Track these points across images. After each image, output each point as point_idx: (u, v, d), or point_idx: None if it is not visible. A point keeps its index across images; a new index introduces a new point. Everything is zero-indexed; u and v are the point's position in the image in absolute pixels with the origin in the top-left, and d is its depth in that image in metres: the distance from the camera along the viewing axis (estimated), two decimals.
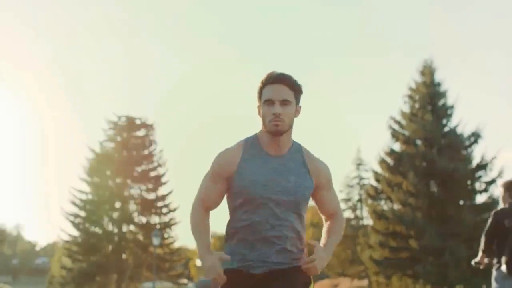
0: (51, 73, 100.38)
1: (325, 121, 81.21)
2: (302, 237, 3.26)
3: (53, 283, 44.38)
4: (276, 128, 3.12)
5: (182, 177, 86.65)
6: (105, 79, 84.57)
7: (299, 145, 3.30)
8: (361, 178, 42.22)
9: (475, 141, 29.74)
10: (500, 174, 28.96)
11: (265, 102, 3.16)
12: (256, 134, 3.27)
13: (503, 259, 6.32)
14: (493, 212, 6.64)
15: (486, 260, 6.57)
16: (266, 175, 3.14)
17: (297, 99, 3.20)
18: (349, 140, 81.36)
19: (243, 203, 3.16)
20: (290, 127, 3.20)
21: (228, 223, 3.28)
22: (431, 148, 29.18)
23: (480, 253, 6.66)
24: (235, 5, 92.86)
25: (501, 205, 6.71)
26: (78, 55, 78.55)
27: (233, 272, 3.16)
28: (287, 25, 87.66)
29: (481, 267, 6.62)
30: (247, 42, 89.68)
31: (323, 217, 3.46)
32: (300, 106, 3.26)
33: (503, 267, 6.32)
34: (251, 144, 3.24)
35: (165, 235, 37.79)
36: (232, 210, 3.24)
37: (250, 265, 3.15)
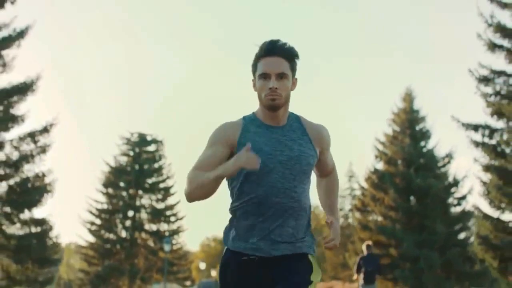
0: (51, 73, 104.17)
1: (326, 123, 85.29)
2: (308, 207, 3.22)
3: (60, 285, 49.10)
4: (273, 103, 3.10)
5: None
6: (104, 80, 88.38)
7: (296, 114, 3.30)
8: (352, 189, 47.47)
9: (449, 162, 34.91)
10: (470, 191, 34.09)
11: (260, 76, 3.12)
12: (253, 112, 3.26)
13: (361, 276, 12.52)
14: (359, 256, 13.27)
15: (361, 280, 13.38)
16: (269, 145, 3.12)
17: (294, 71, 3.17)
18: (349, 142, 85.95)
19: (248, 173, 3.11)
20: (287, 101, 3.17)
21: (231, 203, 3.22)
22: (409, 167, 34.37)
23: (355, 276, 13.46)
24: (236, 9, 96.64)
25: (365, 253, 14.00)
26: (77, 57, 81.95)
27: (236, 256, 3.16)
28: (288, 28, 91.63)
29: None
30: (245, 46, 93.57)
31: (316, 173, 3.50)
32: (296, 79, 3.21)
33: (361, 282, 12.84)
34: (250, 118, 3.22)
35: (173, 241, 42.86)
36: (234, 186, 3.19)
37: (252, 247, 3.11)
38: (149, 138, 43.91)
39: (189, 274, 48.89)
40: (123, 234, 41.80)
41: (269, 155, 3.10)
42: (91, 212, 42.03)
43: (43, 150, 20.98)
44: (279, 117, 3.18)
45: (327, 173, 3.47)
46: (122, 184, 42.43)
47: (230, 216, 3.24)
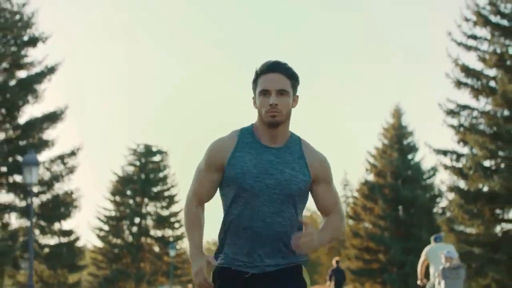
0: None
1: (326, 127, 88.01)
2: (299, 230, 3.21)
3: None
4: (273, 120, 3.11)
5: None
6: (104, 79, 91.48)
7: (298, 137, 3.27)
8: (347, 197, 51.34)
9: (434, 174, 38.70)
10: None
11: (261, 92, 3.14)
12: (252, 124, 3.25)
13: (333, 283, 16.02)
14: (330, 269, 17.57)
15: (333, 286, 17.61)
16: (259, 166, 3.12)
17: (294, 88, 3.19)
18: (350, 145, 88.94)
19: (235, 195, 3.14)
20: (288, 118, 3.18)
21: (222, 222, 3.27)
22: (397, 180, 38.16)
23: (328, 283, 17.40)
24: (236, 12, 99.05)
25: (334, 266, 17.86)
26: (77, 59, 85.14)
27: (224, 270, 3.16)
28: (288, 32, 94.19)
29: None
30: (245, 49, 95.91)
31: (321, 213, 3.39)
32: (298, 96, 3.23)
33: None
34: (246, 134, 3.22)
35: (177, 247, 46.52)
36: (225, 205, 3.22)
37: (242, 264, 3.14)
38: (154, 149, 47.39)
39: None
40: (130, 239, 45.26)
41: (257, 178, 3.10)
42: (99, 219, 45.33)
43: (71, 170, 24.83)
44: (277, 135, 3.17)
45: (326, 211, 3.30)
46: (129, 192, 45.82)
47: (221, 235, 3.27)
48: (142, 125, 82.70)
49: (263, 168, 3.13)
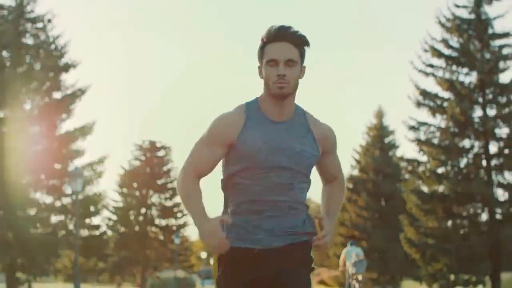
0: None
1: (324, 114, 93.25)
2: (307, 206, 3.30)
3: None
4: (281, 91, 3.11)
5: None
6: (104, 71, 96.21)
7: (302, 109, 3.31)
8: None
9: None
10: None
11: (268, 62, 3.13)
12: (257, 98, 3.26)
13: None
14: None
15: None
16: (270, 142, 3.15)
17: (302, 57, 3.20)
18: (348, 134, 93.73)
19: (245, 170, 3.18)
20: (295, 90, 3.18)
21: (225, 196, 3.29)
22: (378, 175, 44.36)
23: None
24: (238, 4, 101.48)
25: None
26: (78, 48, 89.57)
27: (231, 248, 3.14)
28: (288, 18, 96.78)
29: None
30: (246, 36, 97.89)
31: (322, 179, 3.50)
32: (305, 67, 3.22)
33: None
34: (253, 110, 3.22)
35: (180, 235, 52.38)
36: (230, 179, 3.24)
37: (251, 239, 3.17)
38: (158, 145, 52.96)
39: (195, 262, 58.60)
40: (137, 228, 49.99)
41: (269, 154, 3.13)
42: (108, 209, 51.03)
43: (99, 175, 31.07)
44: (284, 108, 3.19)
45: (331, 180, 3.46)
46: (135, 185, 50.69)
47: (226, 209, 3.28)
48: (147, 123, 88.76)
49: (274, 144, 3.15)
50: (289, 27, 3.17)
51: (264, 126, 3.20)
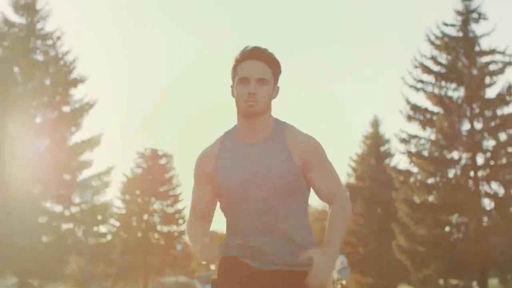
0: None
1: (322, 110, 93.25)
2: (300, 226, 3.19)
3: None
4: (251, 109, 3.08)
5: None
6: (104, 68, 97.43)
7: (283, 124, 3.23)
8: None
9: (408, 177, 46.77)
10: None
11: (240, 80, 3.09)
12: (235, 125, 3.24)
13: None
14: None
15: None
16: (245, 168, 3.12)
17: (276, 78, 3.15)
18: (344, 130, 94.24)
19: (228, 201, 3.17)
20: (267, 109, 3.14)
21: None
22: (373, 183, 46.20)
23: None
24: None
25: None
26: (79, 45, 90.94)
27: (230, 259, 3.19)
28: (284, 14, 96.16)
29: None
30: (247, 31, 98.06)
31: (322, 201, 3.37)
32: (279, 87, 3.18)
33: None
34: (227, 138, 3.22)
35: (182, 241, 53.75)
36: (223, 213, 3.27)
37: (247, 256, 3.16)
38: (160, 153, 54.52)
39: (196, 267, 59.85)
40: (139, 234, 50.64)
41: (245, 181, 3.10)
42: (111, 216, 52.41)
43: (106, 185, 33.02)
44: (258, 128, 3.15)
45: (328, 199, 3.31)
46: (137, 192, 51.27)
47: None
48: (150, 132, 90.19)
49: (249, 169, 3.11)
50: (264, 48, 3.16)
51: (238, 152, 3.19)
